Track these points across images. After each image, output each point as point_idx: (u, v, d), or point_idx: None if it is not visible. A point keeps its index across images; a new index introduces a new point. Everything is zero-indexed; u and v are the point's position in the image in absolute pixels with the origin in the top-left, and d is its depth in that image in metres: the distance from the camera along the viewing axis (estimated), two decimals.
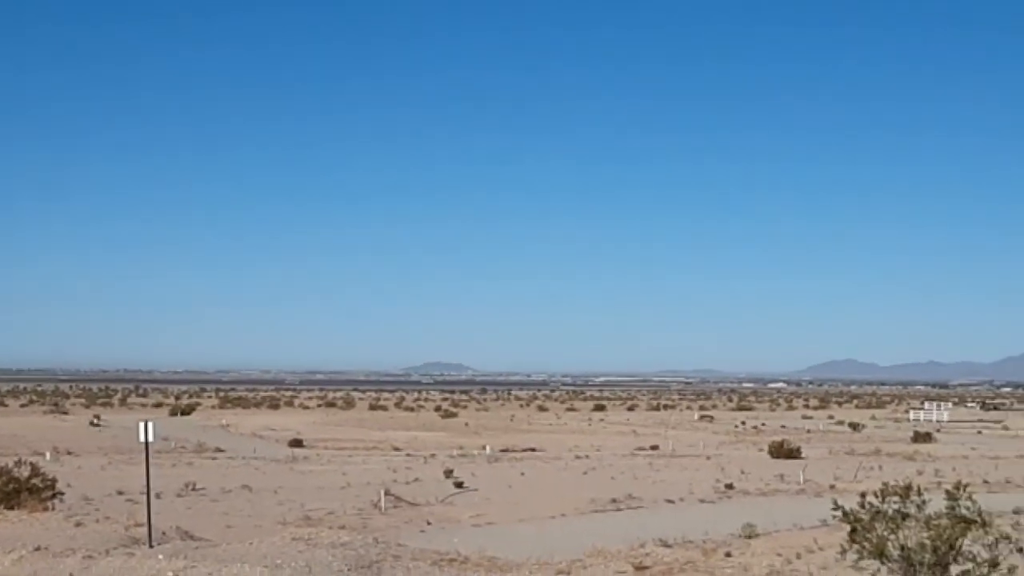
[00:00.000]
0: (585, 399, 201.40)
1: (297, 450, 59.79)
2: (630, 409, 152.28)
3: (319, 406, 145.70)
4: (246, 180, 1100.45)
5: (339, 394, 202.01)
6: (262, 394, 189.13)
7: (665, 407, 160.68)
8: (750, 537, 26.08)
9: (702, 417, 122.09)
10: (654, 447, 65.21)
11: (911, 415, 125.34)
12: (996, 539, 15.20)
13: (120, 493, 34.06)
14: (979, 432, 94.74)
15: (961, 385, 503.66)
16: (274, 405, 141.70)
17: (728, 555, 23.08)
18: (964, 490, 15.85)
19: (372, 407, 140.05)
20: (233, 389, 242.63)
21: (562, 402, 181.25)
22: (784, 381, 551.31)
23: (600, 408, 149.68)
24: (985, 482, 41.71)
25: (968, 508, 15.42)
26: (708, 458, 57.43)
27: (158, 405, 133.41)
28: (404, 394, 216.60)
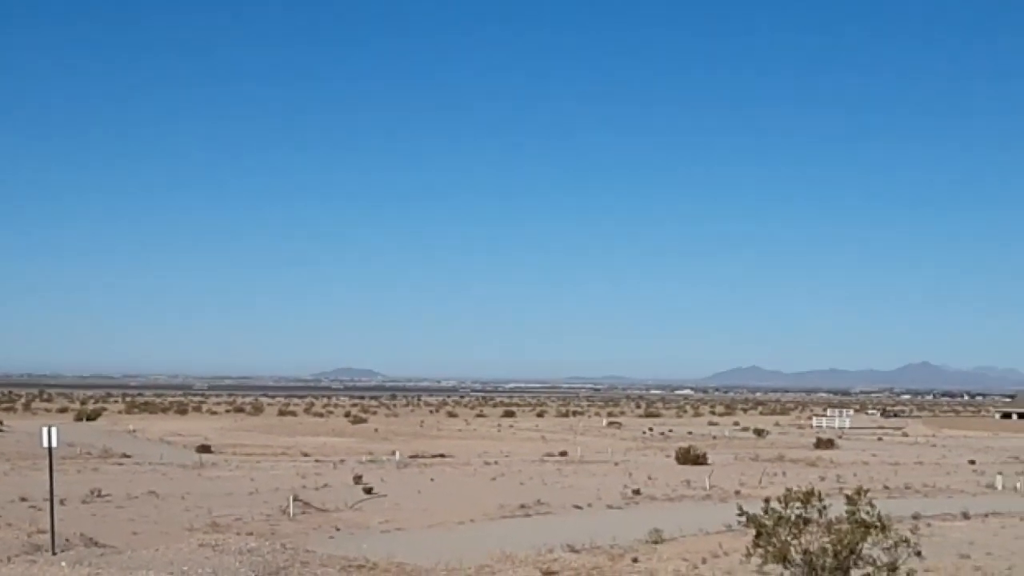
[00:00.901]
0: (495, 405, 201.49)
1: (205, 456, 58.99)
2: (539, 415, 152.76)
3: (228, 412, 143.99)
4: (155, 183, 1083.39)
5: (248, 400, 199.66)
6: (170, 399, 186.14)
7: (574, 413, 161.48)
8: (657, 542, 26.40)
9: (610, 424, 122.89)
10: (563, 453, 65.52)
11: (814, 422, 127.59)
12: (895, 543, 15.63)
13: (23, 500, 33.35)
14: (879, 439, 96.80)
15: (863, 392, 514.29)
16: (182, 410, 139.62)
17: (635, 560, 23.38)
18: (864, 495, 16.28)
19: (281, 413, 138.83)
20: (140, 394, 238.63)
21: (472, 408, 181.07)
22: (691, 388, 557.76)
23: (510, 414, 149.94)
24: (885, 487, 42.72)
25: (868, 513, 15.84)
26: (616, 464, 57.92)
27: (63, 410, 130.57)
28: (314, 400, 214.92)
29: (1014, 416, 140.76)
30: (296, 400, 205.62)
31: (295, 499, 33.23)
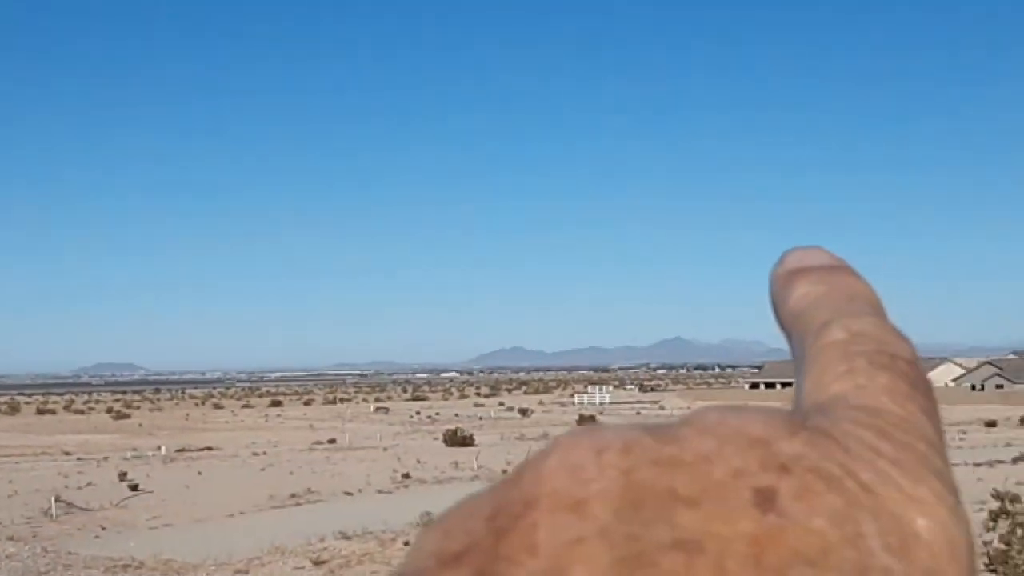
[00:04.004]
0: (261, 395, 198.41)
1: None
2: (307, 404, 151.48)
3: None
4: None
5: (3, 399, 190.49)
6: None
7: (341, 400, 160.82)
8: (427, 525, 27.01)
9: (378, 409, 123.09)
10: (332, 441, 65.50)
11: (576, 399, 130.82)
12: None
13: None
14: (638, 413, 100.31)
15: (621, 368, 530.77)
16: None
17: (406, 544, 23.87)
18: None
19: (40, 411, 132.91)
20: None
21: (238, 399, 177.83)
22: (456, 371, 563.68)
23: (277, 404, 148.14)
24: None
25: None
26: (385, 449, 58.38)
27: None
28: (74, 396, 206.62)
29: (762, 386, 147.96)
30: (55, 397, 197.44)
31: (57, 499, 32.35)
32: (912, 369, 0.40)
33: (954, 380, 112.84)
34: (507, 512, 0.35)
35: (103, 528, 29.10)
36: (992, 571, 13.85)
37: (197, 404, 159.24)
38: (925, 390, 0.40)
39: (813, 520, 0.34)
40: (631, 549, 0.33)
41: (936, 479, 0.36)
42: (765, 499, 0.34)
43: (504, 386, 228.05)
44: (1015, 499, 14.14)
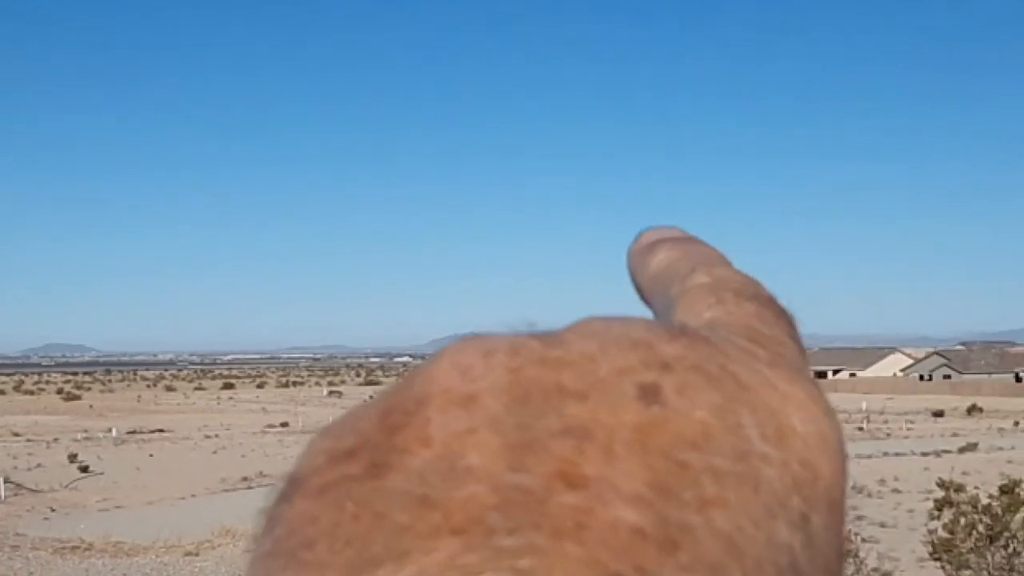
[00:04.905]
0: (214, 378, 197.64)
1: None
2: (259, 387, 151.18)
3: None
4: None
5: None
6: None
7: (294, 384, 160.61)
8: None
9: (331, 392, 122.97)
10: (284, 424, 65.45)
11: None
12: None
13: None
14: None
15: None
16: None
17: None
18: None
19: None
20: None
21: (190, 381, 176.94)
22: (409, 355, 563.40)
23: (229, 386, 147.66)
24: None
25: None
26: None
27: None
28: (23, 377, 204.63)
29: None
30: (3, 378, 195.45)
31: (7, 481, 32.14)
32: (775, 304, 0.42)
33: (902, 370, 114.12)
34: (399, 410, 0.36)
35: (52, 510, 28.97)
36: (937, 559, 14.12)
37: (149, 386, 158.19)
38: (790, 320, 0.42)
39: (695, 412, 0.35)
40: (522, 436, 0.34)
41: (810, 383, 0.38)
42: (649, 393, 0.35)
43: None
44: (959, 488, 14.40)
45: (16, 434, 60.47)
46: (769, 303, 0.42)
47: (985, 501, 14.06)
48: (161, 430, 62.17)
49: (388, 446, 0.35)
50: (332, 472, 0.35)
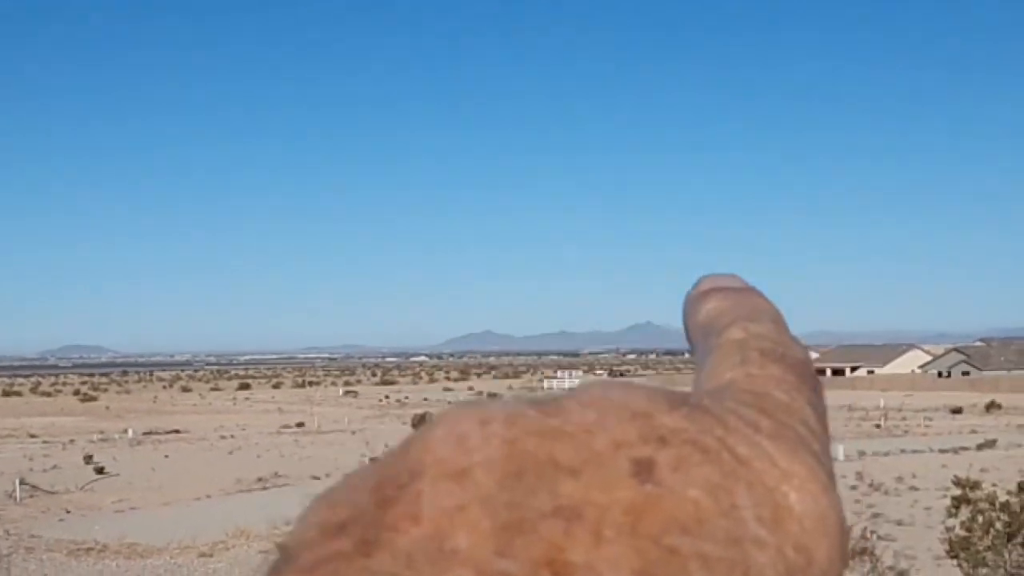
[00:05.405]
0: (230, 378, 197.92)
1: None
2: (275, 387, 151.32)
3: None
4: None
5: None
6: None
7: (310, 384, 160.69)
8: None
9: (347, 392, 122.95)
10: (300, 424, 65.45)
11: (545, 383, 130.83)
12: None
13: None
14: None
15: (591, 353, 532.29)
16: None
17: None
18: None
19: (6, 393, 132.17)
20: None
21: (206, 382, 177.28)
22: (426, 355, 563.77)
23: (245, 387, 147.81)
24: None
25: None
26: (353, 433, 58.34)
27: None
28: (40, 379, 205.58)
29: None
30: (21, 380, 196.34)
31: (22, 482, 32.16)
32: (803, 367, 0.42)
33: (921, 367, 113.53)
34: (392, 482, 0.36)
35: (68, 511, 28.96)
36: (954, 557, 13.97)
37: (165, 387, 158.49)
38: (814, 386, 0.41)
39: (689, 490, 0.34)
40: (512, 516, 0.34)
41: (812, 457, 0.37)
42: (643, 469, 0.34)
43: (474, 370, 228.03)
44: (975, 486, 14.23)
45: (33, 435, 60.61)
46: (795, 366, 0.41)
47: (1003, 498, 13.90)
48: (177, 431, 62.25)
49: (379, 523, 0.35)
50: (323, 548, 0.36)
